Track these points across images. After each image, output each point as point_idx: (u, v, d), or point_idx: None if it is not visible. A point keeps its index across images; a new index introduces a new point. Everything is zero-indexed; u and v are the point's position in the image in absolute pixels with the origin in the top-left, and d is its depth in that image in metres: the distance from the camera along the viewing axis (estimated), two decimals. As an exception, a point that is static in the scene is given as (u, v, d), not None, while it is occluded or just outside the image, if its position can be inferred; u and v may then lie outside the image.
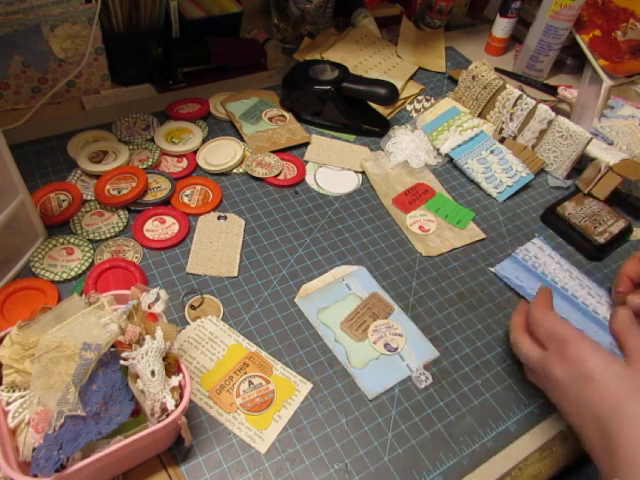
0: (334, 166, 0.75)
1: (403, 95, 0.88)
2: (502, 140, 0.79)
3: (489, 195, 0.74)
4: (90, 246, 0.59)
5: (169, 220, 0.64)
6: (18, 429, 0.39)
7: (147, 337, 0.41)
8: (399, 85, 0.87)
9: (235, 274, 0.60)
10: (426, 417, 0.51)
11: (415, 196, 0.71)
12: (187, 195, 0.67)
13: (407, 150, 0.76)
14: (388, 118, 0.83)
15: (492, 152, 0.77)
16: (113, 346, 0.41)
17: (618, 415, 0.42)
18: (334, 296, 0.59)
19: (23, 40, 0.69)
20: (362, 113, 0.81)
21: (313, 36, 0.94)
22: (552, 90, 0.92)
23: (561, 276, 0.64)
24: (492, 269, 0.64)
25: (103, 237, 0.60)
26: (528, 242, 0.68)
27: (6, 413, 0.39)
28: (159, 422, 0.40)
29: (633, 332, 0.49)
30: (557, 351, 0.47)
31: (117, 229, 0.62)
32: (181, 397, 0.41)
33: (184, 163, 0.71)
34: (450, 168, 0.77)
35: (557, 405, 0.49)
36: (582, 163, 0.76)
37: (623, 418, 0.42)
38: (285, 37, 0.95)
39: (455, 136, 0.78)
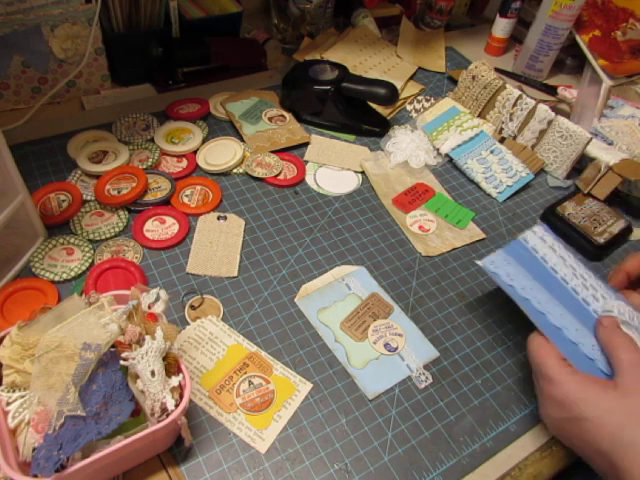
0: (334, 166, 0.75)
1: (403, 95, 0.88)
2: (502, 140, 0.79)
3: (489, 195, 0.74)
4: (90, 246, 0.59)
5: (169, 220, 0.64)
6: (18, 429, 0.39)
7: (147, 337, 0.41)
8: (399, 85, 0.87)
9: (235, 274, 0.60)
10: (426, 417, 0.51)
11: (415, 196, 0.71)
12: (187, 195, 0.67)
13: (407, 150, 0.76)
14: (388, 118, 0.83)
15: (492, 152, 0.77)
16: (113, 346, 0.41)
17: (617, 447, 0.41)
18: (334, 296, 0.59)
19: (23, 40, 0.69)
20: (362, 113, 0.81)
21: (313, 36, 0.94)
22: (552, 90, 0.92)
23: (563, 273, 0.55)
24: (479, 262, 0.55)
25: (103, 237, 0.60)
26: (528, 230, 0.58)
27: (6, 413, 0.39)
28: (159, 422, 0.40)
29: (620, 344, 0.47)
30: (545, 389, 0.47)
31: (117, 229, 0.62)
32: (181, 397, 0.41)
33: (184, 163, 0.71)
34: (450, 168, 0.77)
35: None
36: (582, 163, 0.76)
37: (622, 449, 0.41)
38: (285, 37, 0.95)
39: (455, 136, 0.78)
